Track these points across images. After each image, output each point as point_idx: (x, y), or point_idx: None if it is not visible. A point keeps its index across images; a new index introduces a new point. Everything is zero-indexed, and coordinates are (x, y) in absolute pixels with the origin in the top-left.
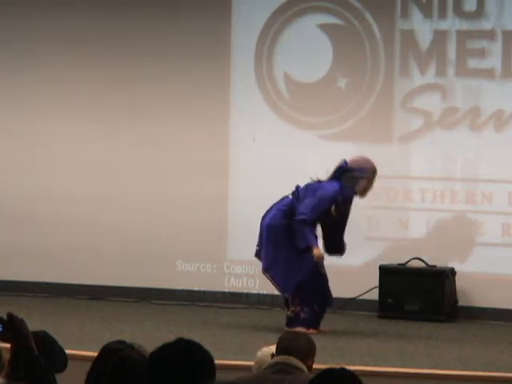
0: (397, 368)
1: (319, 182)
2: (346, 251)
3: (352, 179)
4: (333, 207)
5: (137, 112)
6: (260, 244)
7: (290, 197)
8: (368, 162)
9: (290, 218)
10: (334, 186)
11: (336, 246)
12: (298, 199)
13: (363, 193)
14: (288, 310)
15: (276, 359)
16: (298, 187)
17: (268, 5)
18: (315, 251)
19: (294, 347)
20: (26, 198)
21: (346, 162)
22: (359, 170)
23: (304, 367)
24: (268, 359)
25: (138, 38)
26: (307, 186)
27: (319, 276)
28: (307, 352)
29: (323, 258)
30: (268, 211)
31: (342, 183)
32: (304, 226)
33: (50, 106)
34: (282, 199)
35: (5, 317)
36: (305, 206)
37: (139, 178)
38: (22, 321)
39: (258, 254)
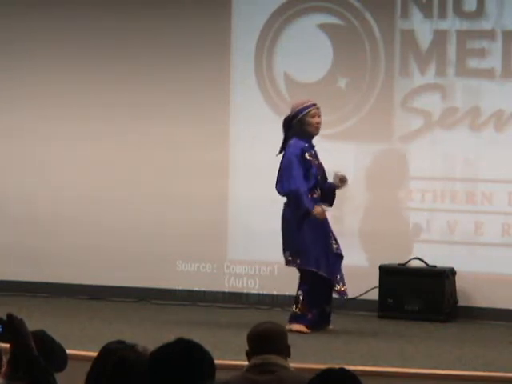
0: (397, 368)
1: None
2: (346, 251)
3: (299, 125)
4: (306, 154)
5: (137, 112)
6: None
7: None
8: (300, 100)
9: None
10: (292, 144)
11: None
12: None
13: (315, 130)
14: (296, 307)
15: (254, 361)
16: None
17: (268, 5)
18: (315, 210)
19: (268, 345)
20: (25, 198)
21: (287, 115)
22: (298, 113)
23: (284, 361)
24: None
25: (137, 38)
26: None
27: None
28: (281, 344)
29: (325, 214)
30: None
31: (295, 136)
32: (295, 195)
33: (49, 106)
34: None
35: (4, 317)
36: (280, 182)
37: (139, 178)
38: (21, 321)
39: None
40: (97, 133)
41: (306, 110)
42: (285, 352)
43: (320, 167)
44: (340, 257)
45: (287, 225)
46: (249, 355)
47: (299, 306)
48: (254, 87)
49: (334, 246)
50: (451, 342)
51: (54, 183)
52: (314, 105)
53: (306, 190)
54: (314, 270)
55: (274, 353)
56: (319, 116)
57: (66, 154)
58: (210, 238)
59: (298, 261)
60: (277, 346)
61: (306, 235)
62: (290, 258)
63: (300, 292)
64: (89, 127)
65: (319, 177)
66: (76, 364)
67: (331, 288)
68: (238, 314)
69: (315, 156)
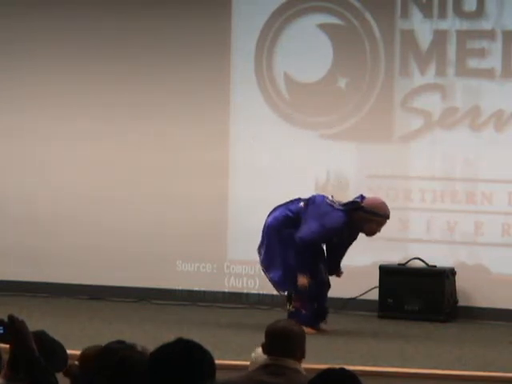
0: (397, 368)
1: (331, 205)
2: (347, 251)
3: (362, 220)
4: (335, 239)
5: (136, 112)
6: (262, 240)
7: (301, 205)
8: (383, 206)
9: (293, 227)
10: (341, 217)
11: (333, 267)
12: (306, 212)
13: (370, 234)
14: (290, 305)
15: (267, 361)
16: (310, 198)
17: (268, 5)
18: (300, 279)
19: (281, 346)
20: (26, 197)
21: (362, 198)
22: (372, 213)
23: (296, 364)
24: (263, 359)
25: (137, 38)
26: (318, 203)
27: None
28: (295, 346)
29: (306, 288)
30: (275, 209)
31: (349, 216)
32: (302, 247)
33: (49, 106)
34: (291, 202)
35: (5, 318)
36: (308, 228)
37: (139, 177)
38: (22, 322)
39: (259, 249)
40: (97, 133)
41: (380, 218)
42: (300, 354)
43: (339, 243)
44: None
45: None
46: (264, 349)
47: (292, 302)
48: (254, 87)
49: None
50: (451, 342)
51: (54, 183)
52: (388, 217)
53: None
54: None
55: (288, 354)
56: (382, 227)
57: (66, 154)
58: (210, 238)
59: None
60: (292, 347)
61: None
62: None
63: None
64: (89, 127)
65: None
66: None
67: (324, 285)
68: (238, 314)
69: (342, 236)
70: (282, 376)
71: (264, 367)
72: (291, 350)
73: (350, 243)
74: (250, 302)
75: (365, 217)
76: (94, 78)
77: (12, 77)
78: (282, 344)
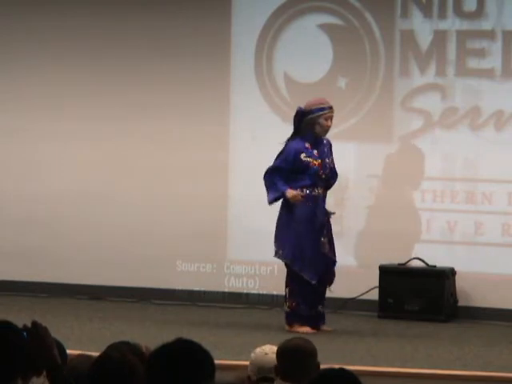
0: (397, 368)
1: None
2: (346, 251)
3: (310, 123)
4: (303, 155)
5: (136, 112)
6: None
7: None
8: (319, 100)
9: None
10: (292, 142)
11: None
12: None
13: (324, 132)
14: (285, 306)
15: None
16: None
17: (268, 5)
18: (288, 194)
19: (297, 370)
20: (25, 197)
21: (300, 108)
22: (314, 111)
23: None
24: (262, 360)
25: (137, 38)
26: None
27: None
28: (311, 367)
29: (300, 196)
30: None
31: (299, 135)
32: (267, 179)
33: (49, 106)
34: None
35: (29, 324)
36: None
37: (139, 177)
38: (45, 329)
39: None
40: (97, 133)
41: (323, 112)
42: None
43: (325, 166)
44: (329, 259)
45: (278, 219)
46: (277, 371)
47: (287, 302)
48: (254, 87)
49: (324, 246)
50: (451, 342)
51: (54, 183)
52: (331, 108)
53: (274, 178)
54: (288, 262)
55: (304, 379)
56: (331, 120)
57: (65, 153)
58: (210, 238)
59: (281, 251)
60: (308, 369)
61: (291, 229)
62: (275, 249)
63: (287, 289)
64: (89, 127)
65: (323, 175)
66: None
67: (324, 286)
68: (238, 314)
69: (319, 156)
70: None
71: None
72: (307, 373)
73: (330, 163)
74: (250, 301)
75: (313, 119)
76: (93, 79)
77: (13, 77)
78: (297, 368)
